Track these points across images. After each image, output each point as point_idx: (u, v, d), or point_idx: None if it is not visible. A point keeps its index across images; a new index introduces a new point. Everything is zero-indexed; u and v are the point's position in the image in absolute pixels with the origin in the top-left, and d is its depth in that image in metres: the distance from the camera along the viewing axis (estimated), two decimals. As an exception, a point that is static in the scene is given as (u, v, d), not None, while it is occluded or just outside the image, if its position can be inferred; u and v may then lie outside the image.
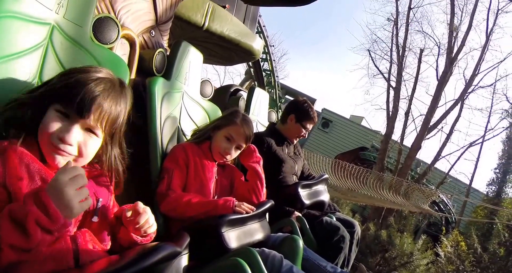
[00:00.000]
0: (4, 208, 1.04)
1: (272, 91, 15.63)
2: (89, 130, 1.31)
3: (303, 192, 3.01)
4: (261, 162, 2.45)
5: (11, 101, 1.31)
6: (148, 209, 1.40)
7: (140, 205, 1.38)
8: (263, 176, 2.40)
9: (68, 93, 1.27)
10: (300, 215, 2.98)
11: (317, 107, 24.64)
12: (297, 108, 3.41)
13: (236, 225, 1.99)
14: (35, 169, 1.21)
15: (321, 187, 3.27)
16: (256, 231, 2.14)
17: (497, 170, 18.81)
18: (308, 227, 2.91)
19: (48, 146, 1.26)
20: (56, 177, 1.07)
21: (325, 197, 3.25)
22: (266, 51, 14.07)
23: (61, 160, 1.26)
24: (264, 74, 14.87)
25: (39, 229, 1.02)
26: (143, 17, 2.55)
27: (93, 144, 1.34)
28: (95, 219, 1.33)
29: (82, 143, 1.29)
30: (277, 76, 15.65)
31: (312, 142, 23.78)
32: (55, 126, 1.26)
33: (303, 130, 3.38)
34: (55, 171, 1.23)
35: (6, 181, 1.13)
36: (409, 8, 20.12)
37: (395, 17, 20.51)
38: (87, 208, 1.13)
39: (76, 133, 1.27)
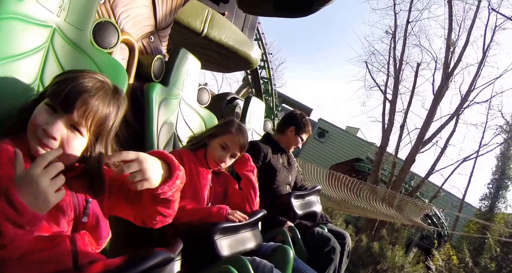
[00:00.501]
0: None
1: (269, 99, 15.65)
2: (74, 127, 1.29)
3: (296, 202, 3.02)
4: (255, 171, 2.47)
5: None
6: (139, 155, 1.29)
7: (126, 154, 1.27)
8: (256, 185, 2.42)
9: (57, 88, 1.29)
10: (292, 225, 2.99)
11: (314, 117, 24.69)
12: (297, 121, 3.49)
13: (229, 233, 2.01)
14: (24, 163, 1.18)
15: (314, 198, 3.28)
16: (248, 240, 2.16)
17: (490, 185, 18.85)
18: (299, 237, 2.92)
19: (33, 138, 1.26)
20: (28, 169, 1.05)
21: (318, 208, 3.27)
22: (264, 59, 14.08)
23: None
24: (261, 81, 14.86)
25: (9, 224, 0.99)
26: (143, 22, 2.57)
27: (76, 143, 1.31)
28: (85, 219, 1.31)
29: (65, 139, 1.28)
30: (274, 84, 15.68)
31: (308, 151, 23.78)
32: (41, 118, 1.26)
33: (301, 141, 3.49)
34: None
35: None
36: (407, 22, 20.24)
37: (393, 30, 20.59)
38: (63, 197, 1.10)
39: (60, 127, 1.26)
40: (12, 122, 1.34)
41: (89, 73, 1.38)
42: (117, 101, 1.40)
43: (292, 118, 3.55)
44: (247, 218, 2.12)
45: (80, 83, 1.30)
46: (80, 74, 1.34)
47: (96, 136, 1.37)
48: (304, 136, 3.49)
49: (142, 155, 1.30)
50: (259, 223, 2.44)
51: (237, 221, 2.05)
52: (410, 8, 20.27)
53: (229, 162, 2.38)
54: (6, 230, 0.99)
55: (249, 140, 3.02)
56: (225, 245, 1.94)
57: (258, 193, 2.42)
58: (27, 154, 1.23)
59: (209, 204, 2.27)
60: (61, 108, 1.27)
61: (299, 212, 3.02)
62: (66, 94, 1.26)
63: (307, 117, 3.57)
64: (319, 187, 3.47)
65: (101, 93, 1.34)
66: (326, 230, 3.24)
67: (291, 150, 3.55)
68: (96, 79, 1.36)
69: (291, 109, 19.19)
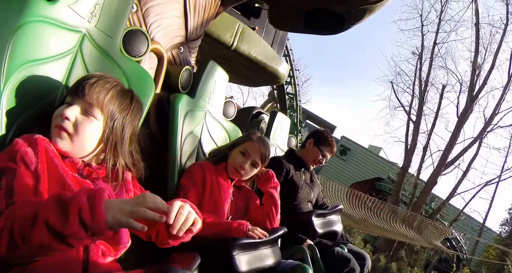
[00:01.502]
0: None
1: (294, 114, 15.57)
2: (86, 111, 1.35)
3: (317, 221, 2.95)
4: (278, 188, 2.42)
5: None
6: (182, 205, 1.27)
7: (170, 207, 1.22)
8: (278, 202, 2.38)
9: (74, 84, 1.40)
10: (312, 243, 2.92)
11: (337, 134, 24.57)
12: (316, 133, 3.46)
13: (248, 249, 1.97)
14: (55, 158, 1.27)
15: (335, 217, 3.20)
16: (267, 257, 2.12)
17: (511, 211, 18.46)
18: (319, 256, 2.85)
19: (52, 129, 1.33)
20: (130, 206, 1.05)
21: (339, 227, 3.18)
22: (291, 74, 14.04)
23: (59, 141, 1.31)
24: (287, 97, 14.82)
25: (77, 219, 0.98)
26: (174, 32, 2.54)
27: (89, 125, 1.35)
28: None
29: (79, 122, 1.33)
30: (299, 100, 15.60)
31: (329, 168, 23.61)
32: (60, 109, 1.34)
33: (320, 155, 3.36)
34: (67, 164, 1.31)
35: (38, 167, 1.20)
36: (434, 43, 20.09)
37: (420, 51, 20.47)
38: (135, 228, 1.05)
39: (74, 110, 1.33)
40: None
41: (111, 76, 1.48)
42: (128, 96, 1.48)
43: (313, 132, 3.53)
44: (267, 235, 2.08)
45: (92, 74, 1.42)
46: (95, 73, 1.46)
47: (111, 120, 1.41)
48: (324, 149, 3.36)
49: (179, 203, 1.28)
50: (279, 240, 2.38)
51: (257, 238, 2.01)
52: (438, 30, 20.18)
53: (250, 171, 2.32)
54: (74, 222, 0.98)
55: (272, 156, 2.96)
56: (244, 261, 1.91)
57: (279, 210, 2.37)
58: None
59: (229, 218, 2.24)
60: (74, 94, 1.35)
61: (320, 230, 2.94)
62: (78, 83, 1.37)
63: (329, 133, 3.49)
64: (341, 206, 3.39)
65: (110, 81, 1.43)
66: (346, 250, 3.16)
67: (312, 164, 3.43)
68: (112, 78, 1.46)
69: (315, 125, 19.09)
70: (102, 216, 0.98)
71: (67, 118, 1.30)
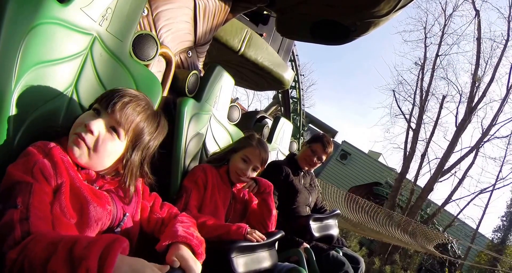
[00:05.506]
0: (74, 235, 1.10)
1: (297, 118, 15.54)
2: (113, 129, 1.31)
3: (314, 225, 2.93)
4: (272, 189, 2.40)
5: None
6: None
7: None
8: (272, 205, 2.36)
9: (104, 94, 1.36)
10: (308, 246, 2.90)
11: (338, 139, 24.52)
12: (312, 136, 3.42)
13: (246, 251, 1.96)
14: (71, 169, 1.24)
15: (332, 222, 3.18)
16: (264, 259, 2.10)
17: (504, 218, 18.48)
18: (314, 259, 2.83)
19: (71, 137, 1.29)
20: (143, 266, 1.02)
21: (335, 231, 3.16)
22: (296, 79, 14.01)
23: (77, 152, 1.26)
24: (291, 101, 14.83)
25: (80, 247, 0.93)
26: (183, 37, 2.53)
27: (111, 145, 1.32)
28: (118, 230, 1.35)
29: (101, 138, 1.29)
30: (303, 105, 15.56)
31: (329, 172, 23.59)
32: (85, 117, 1.31)
33: (312, 154, 3.25)
34: (82, 175, 1.29)
35: (58, 181, 1.18)
36: (437, 55, 20.04)
37: (422, 62, 20.45)
38: None
39: (100, 125, 1.29)
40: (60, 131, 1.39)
41: (139, 93, 1.43)
42: (156, 121, 1.44)
43: (311, 136, 3.47)
44: (265, 238, 2.06)
45: (126, 91, 1.37)
46: (129, 89, 1.40)
47: (133, 144, 1.38)
48: (317, 148, 3.23)
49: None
50: (276, 243, 2.37)
51: (255, 241, 1.99)
52: (440, 42, 20.15)
53: (251, 175, 2.33)
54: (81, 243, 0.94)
55: (274, 160, 2.94)
56: (241, 263, 1.90)
57: (274, 214, 2.36)
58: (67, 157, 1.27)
59: (228, 221, 2.24)
60: (104, 108, 1.30)
61: (316, 234, 2.93)
62: (110, 97, 1.32)
63: (326, 135, 3.37)
64: (338, 211, 3.36)
65: (142, 105, 1.38)
66: (341, 253, 3.13)
67: (305, 165, 3.30)
68: (144, 99, 1.42)
69: (317, 129, 19.05)
70: (111, 268, 0.93)
71: (91, 132, 1.26)
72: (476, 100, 18.47)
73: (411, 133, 19.49)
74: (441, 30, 20.32)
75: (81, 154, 1.27)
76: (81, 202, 1.24)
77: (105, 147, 1.30)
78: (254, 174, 2.36)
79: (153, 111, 1.45)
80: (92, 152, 1.28)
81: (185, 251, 1.31)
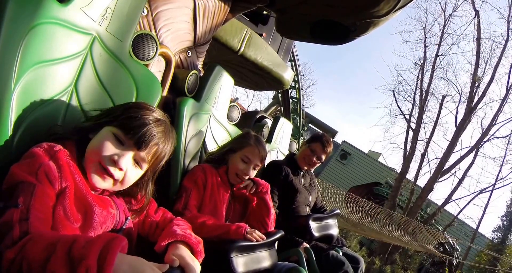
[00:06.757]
0: (72, 235, 1.09)
1: (297, 118, 15.52)
2: (137, 162, 1.36)
3: (313, 225, 2.93)
4: (269, 188, 2.40)
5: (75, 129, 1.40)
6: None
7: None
8: (270, 204, 2.36)
9: (131, 124, 1.33)
10: (308, 246, 2.89)
11: (338, 139, 24.50)
12: (312, 135, 3.42)
13: (245, 251, 1.96)
14: (77, 174, 1.25)
15: (332, 221, 3.18)
16: (264, 259, 2.10)
17: (504, 218, 18.48)
18: (314, 259, 2.82)
19: (95, 165, 1.29)
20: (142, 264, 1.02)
21: (334, 231, 3.16)
22: (296, 79, 13.98)
23: (100, 182, 1.29)
24: (291, 101, 14.80)
25: (80, 243, 0.95)
26: (182, 37, 2.53)
27: (134, 174, 1.38)
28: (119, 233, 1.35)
29: (128, 172, 1.34)
30: (303, 105, 15.53)
31: (329, 172, 23.58)
32: (110, 149, 1.30)
33: (311, 153, 3.26)
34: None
35: (62, 184, 1.19)
36: (436, 55, 20.07)
37: (422, 62, 20.47)
38: None
39: (129, 161, 1.33)
40: (63, 133, 1.38)
41: (155, 112, 1.43)
42: (173, 138, 1.48)
43: (310, 136, 3.46)
44: (265, 238, 2.06)
45: (155, 127, 1.37)
46: (151, 114, 1.39)
47: (154, 169, 1.46)
48: (315, 147, 3.24)
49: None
50: (276, 243, 2.37)
51: (255, 240, 1.99)
52: (440, 42, 20.20)
53: (252, 174, 2.34)
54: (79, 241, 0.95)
55: (274, 159, 2.94)
56: (241, 263, 1.91)
57: (272, 213, 2.36)
58: (75, 160, 1.28)
59: (228, 221, 2.23)
60: (135, 145, 1.32)
61: (316, 234, 2.93)
62: (143, 135, 1.33)
63: (326, 135, 3.38)
64: (337, 211, 3.36)
65: (167, 135, 1.42)
66: (341, 253, 3.13)
67: (305, 165, 3.30)
68: (164, 122, 1.43)
69: (317, 129, 19.06)
70: (110, 267, 0.93)
71: (120, 169, 1.30)
72: (475, 100, 18.52)
73: (411, 133, 19.55)
74: (441, 30, 20.40)
75: (106, 185, 1.32)
76: (85, 206, 1.25)
77: (130, 180, 1.37)
78: (255, 172, 2.37)
79: (170, 132, 1.47)
80: (118, 184, 1.34)
81: (184, 250, 1.35)
